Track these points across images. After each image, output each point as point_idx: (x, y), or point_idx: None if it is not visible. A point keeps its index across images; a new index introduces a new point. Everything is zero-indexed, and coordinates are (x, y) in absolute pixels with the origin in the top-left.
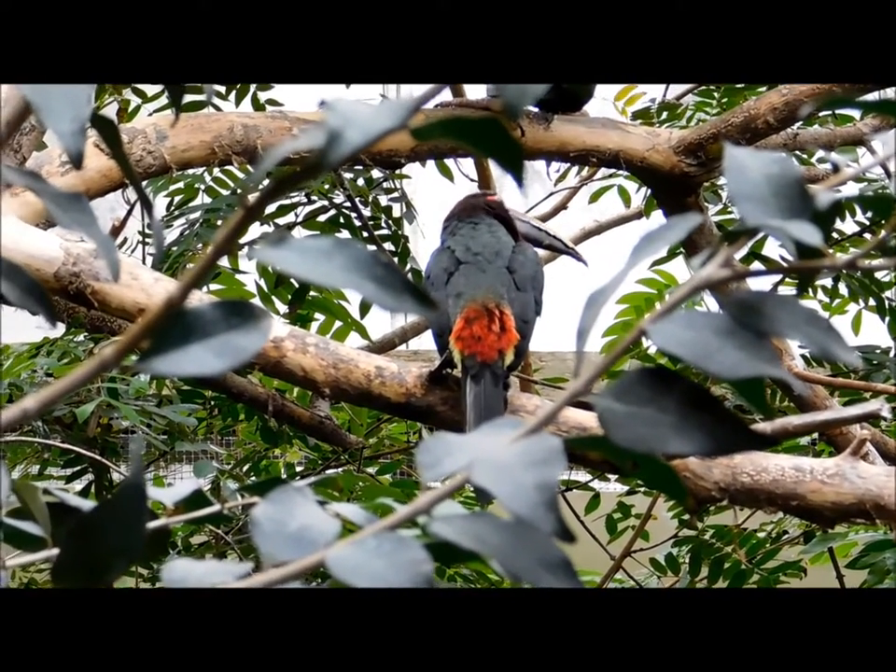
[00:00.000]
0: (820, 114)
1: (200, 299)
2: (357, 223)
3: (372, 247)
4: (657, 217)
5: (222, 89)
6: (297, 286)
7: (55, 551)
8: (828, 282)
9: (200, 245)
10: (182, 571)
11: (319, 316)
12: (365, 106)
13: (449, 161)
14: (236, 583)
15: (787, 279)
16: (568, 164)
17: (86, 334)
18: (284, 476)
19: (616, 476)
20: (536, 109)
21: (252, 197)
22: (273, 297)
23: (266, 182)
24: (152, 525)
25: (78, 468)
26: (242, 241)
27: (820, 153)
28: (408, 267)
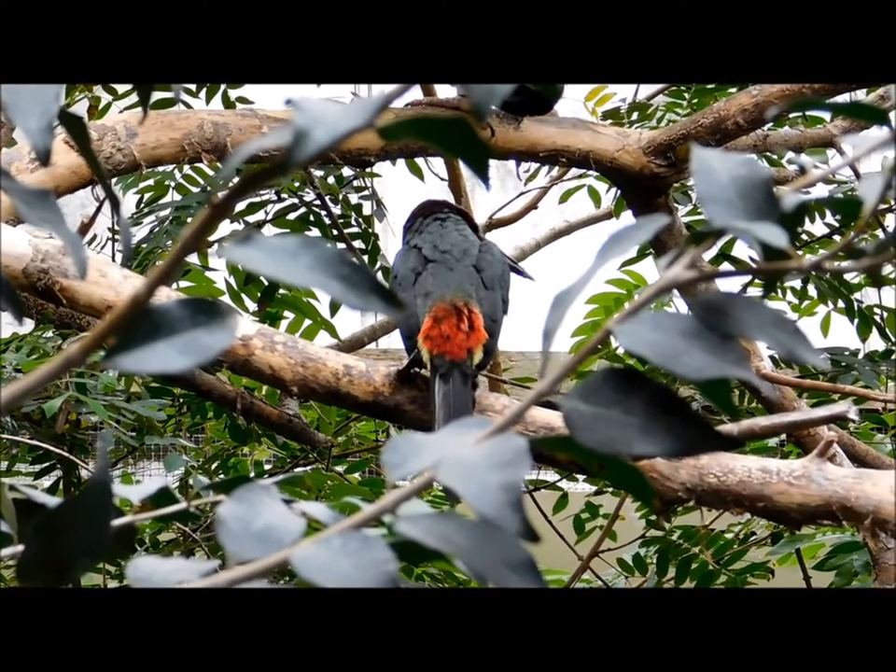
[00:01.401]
0: (790, 115)
1: (167, 296)
2: (327, 221)
3: (340, 246)
4: (627, 217)
5: (192, 86)
6: (266, 283)
7: (21, 547)
8: (797, 283)
9: (169, 242)
10: (147, 569)
11: (289, 314)
12: (332, 105)
13: (419, 160)
14: (200, 581)
15: (756, 280)
16: (539, 164)
17: (54, 330)
18: (252, 474)
19: (584, 476)
20: (504, 112)
21: (221, 194)
22: (243, 294)
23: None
24: (118, 522)
25: (47, 464)
26: (212, 238)
27: (790, 155)
28: (378, 265)
